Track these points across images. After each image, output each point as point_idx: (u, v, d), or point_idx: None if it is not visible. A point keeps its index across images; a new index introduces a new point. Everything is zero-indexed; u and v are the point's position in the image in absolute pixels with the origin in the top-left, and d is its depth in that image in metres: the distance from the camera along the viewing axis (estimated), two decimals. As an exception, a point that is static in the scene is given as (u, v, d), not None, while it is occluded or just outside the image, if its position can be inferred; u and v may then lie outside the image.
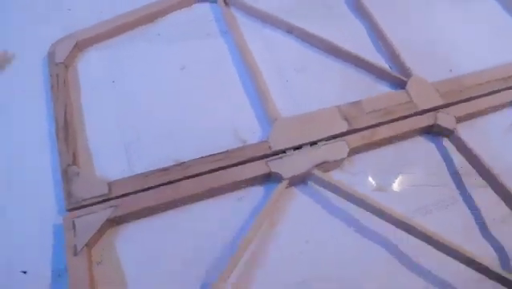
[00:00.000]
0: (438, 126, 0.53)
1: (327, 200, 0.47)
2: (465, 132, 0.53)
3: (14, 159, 0.46)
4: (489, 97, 0.57)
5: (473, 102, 0.57)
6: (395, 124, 0.53)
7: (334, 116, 0.52)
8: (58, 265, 0.39)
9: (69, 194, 0.42)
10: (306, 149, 0.49)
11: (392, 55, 0.60)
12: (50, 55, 0.52)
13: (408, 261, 0.44)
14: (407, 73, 0.57)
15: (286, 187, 0.47)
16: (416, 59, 0.59)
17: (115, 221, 0.43)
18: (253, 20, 0.61)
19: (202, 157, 0.46)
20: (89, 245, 0.40)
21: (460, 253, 0.43)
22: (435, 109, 0.55)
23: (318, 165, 0.48)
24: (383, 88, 0.57)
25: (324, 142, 0.50)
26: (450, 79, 0.58)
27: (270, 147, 0.48)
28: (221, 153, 0.47)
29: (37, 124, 0.48)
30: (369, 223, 0.46)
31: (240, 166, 0.46)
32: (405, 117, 0.53)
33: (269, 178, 0.48)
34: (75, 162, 0.44)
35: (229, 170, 0.46)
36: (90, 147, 0.47)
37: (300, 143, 0.49)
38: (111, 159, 0.47)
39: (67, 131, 0.46)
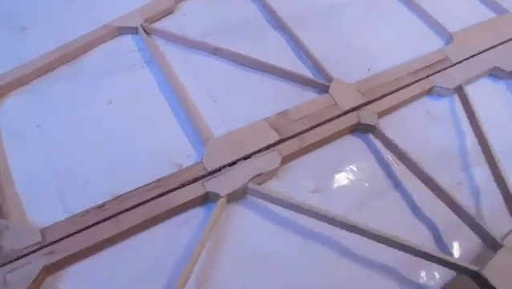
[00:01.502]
0: (361, 124, 0.57)
1: (267, 210, 0.49)
2: (387, 125, 0.58)
3: None
4: (405, 90, 0.62)
5: (390, 96, 0.61)
6: (322, 127, 0.56)
7: (263, 128, 0.54)
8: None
9: None
10: (241, 164, 0.50)
11: (314, 63, 0.63)
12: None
13: (351, 254, 0.47)
14: (328, 78, 0.61)
15: (227, 204, 0.48)
16: (336, 63, 0.63)
17: (55, 267, 0.42)
18: (176, 46, 0.62)
19: (138, 188, 0.46)
20: (28, 297, 0.39)
21: (397, 242, 0.46)
22: (358, 108, 0.59)
23: (253, 178, 0.49)
24: (310, 95, 0.61)
25: (257, 155, 0.51)
26: (368, 78, 0.62)
27: (204, 168, 0.49)
28: (156, 181, 0.47)
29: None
30: (310, 226, 0.48)
31: (176, 191, 0.47)
32: (331, 119, 0.57)
33: (207, 198, 0.48)
34: (2, 215, 0.43)
35: (166, 197, 0.46)
36: (20, 196, 0.46)
37: (234, 159, 0.50)
38: (44, 204, 0.46)
39: (-10, 183, 0.45)
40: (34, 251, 0.41)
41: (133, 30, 0.62)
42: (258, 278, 0.44)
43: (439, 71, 0.64)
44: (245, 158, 0.51)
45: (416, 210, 0.52)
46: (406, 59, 0.65)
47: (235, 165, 0.50)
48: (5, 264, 0.40)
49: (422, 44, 0.68)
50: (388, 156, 0.56)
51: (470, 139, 0.59)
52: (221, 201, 0.47)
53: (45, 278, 0.41)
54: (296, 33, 0.66)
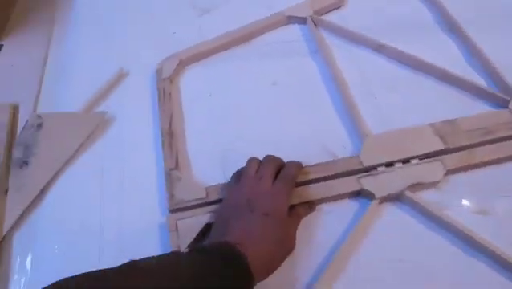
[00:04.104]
0: (547, 150, 0.49)
1: (418, 222, 0.46)
2: None
3: (125, 162, 0.51)
4: None
5: None
6: (498, 144, 0.49)
7: (427, 133, 0.50)
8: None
9: (172, 196, 0.46)
10: (399, 168, 0.48)
11: (490, 72, 0.57)
12: (158, 72, 0.58)
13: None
14: (509, 91, 0.54)
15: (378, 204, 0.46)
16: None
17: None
18: (341, 40, 0.62)
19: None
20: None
21: None
22: (545, 130, 0.50)
23: (411, 186, 0.46)
24: (480, 107, 0.54)
25: (417, 161, 0.48)
26: None
27: (361, 162, 0.48)
28: (315, 165, 0.47)
29: (145, 131, 0.53)
30: (464, 252, 0.43)
31: (331, 180, 0.47)
32: (508, 138, 0.50)
33: (358, 195, 0.47)
34: (177, 167, 0.48)
35: (322, 183, 0.46)
36: (189, 154, 0.51)
37: (392, 160, 0.48)
38: (208, 166, 0.50)
39: (170, 138, 0.51)
40: (199, 206, 0.45)
41: (301, 21, 0.64)
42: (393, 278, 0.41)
43: None
44: (403, 162, 0.48)
45: None
46: None
47: (393, 167, 0.48)
48: (176, 211, 0.45)
49: None
50: None
51: None
52: (375, 202, 0.45)
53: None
54: (471, 36, 0.60)
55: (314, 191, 0.46)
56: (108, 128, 0.55)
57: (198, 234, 0.43)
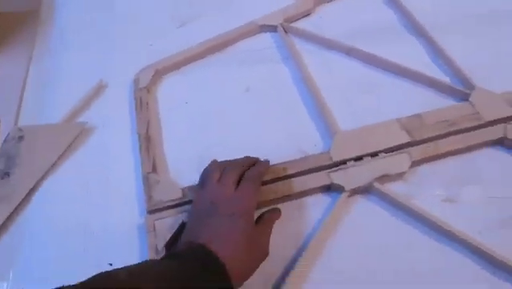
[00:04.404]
0: (508, 139, 0.51)
1: (387, 212, 0.47)
2: None
3: (106, 168, 0.53)
4: None
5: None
6: (460, 136, 0.52)
7: (394, 128, 0.52)
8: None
9: (150, 198, 0.47)
10: (367, 161, 0.50)
11: (454, 70, 0.60)
12: (135, 82, 0.60)
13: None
14: (470, 85, 0.56)
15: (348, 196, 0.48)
16: (483, 72, 0.58)
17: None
18: (311, 45, 0.65)
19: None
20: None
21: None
22: (504, 121, 0.53)
23: (379, 178, 0.48)
24: (445, 102, 0.57)
25: (384, 154, 0.50)
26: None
27: (330, 158, 0.50)
28: (287, 162, 0.49)
29: (124, 139, 0.55)
30: (433, 239, 0.45)
31: (303, 176, 0.49)
32: (471, 129, 0.52)
33: (330, 189, 0.49)
34: (154, 171, 0.50)
35: (294, 179, 0.48)
36: (166, 158, 0.53)
37: (361, 154, 0.50)
38: (185, 170, 0.52)
39: (148, 143, 0.52)
40: (176, 206, 0.47)
41: (273, 29, 0.67)
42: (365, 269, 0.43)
43: None
44: (372, 155, 0.50)
45: None
46: None
47: (362, 161, 0.50)
48: (154, 212, 0.46)
49: None
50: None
51: None
52: (345, 194, 0.47)
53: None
54: (437, 39, 0.63)
55: (287, 186, 0.48)
56: (89, 137, 0.56)
57: (175, 233, 0.44)
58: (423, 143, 0.51)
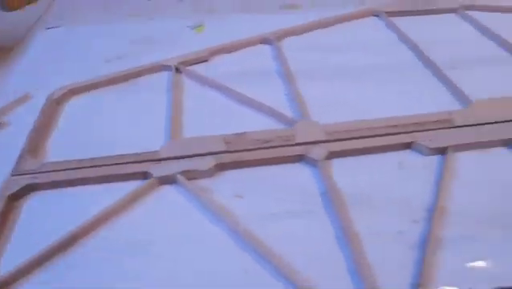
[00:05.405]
0: (307, 157, 0.60)
1: (188, 203, 0.57)
2: (339, 165, 0.60)
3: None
4: (373, 139, 0.62)
5: (357, 141, 0.62)
6: (269, 150, 0.62)
7: (217, 140, 0.63)
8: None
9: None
10: (181, 159, 0.61)
11: (299, 106, 0.71)
12: (49, 97, 0.78)
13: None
14: (300, 116, 0.67)
15: (157, 186, 0.59)
16: (322, 110, 0.69)
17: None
18: (200, 84, 0.81)
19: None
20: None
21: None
22: (313, 143, 0.62)
23: (185, 172, 0.59)
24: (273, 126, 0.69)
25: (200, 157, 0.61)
26: (342, 122, 0.65)
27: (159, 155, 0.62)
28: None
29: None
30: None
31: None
32: (281, 146, 0.62)
33: (146, 177, 0.60)
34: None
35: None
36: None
37: (181, 154, 0.61)
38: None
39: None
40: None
41: (169, 68, 0.84)
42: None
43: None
44: (191, 157, 0.61)
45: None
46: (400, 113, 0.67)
47: (178, 160, 0.61)
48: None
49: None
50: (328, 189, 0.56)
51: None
52: (151, 180, 0.58)
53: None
54: (296, 82, 0.76)
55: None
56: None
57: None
58: (235, 152, 0.62)
